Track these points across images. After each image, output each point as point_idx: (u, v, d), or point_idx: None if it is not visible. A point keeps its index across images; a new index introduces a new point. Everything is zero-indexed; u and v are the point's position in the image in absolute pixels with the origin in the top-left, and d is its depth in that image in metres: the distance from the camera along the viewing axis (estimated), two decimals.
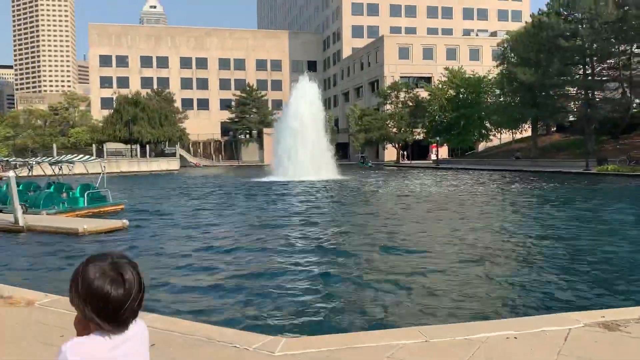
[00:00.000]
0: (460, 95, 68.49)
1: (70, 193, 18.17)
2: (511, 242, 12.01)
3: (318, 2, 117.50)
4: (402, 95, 71.75)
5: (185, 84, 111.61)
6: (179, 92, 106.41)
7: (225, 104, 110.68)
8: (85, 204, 17.79)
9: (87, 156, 20.01)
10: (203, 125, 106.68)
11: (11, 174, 13.82)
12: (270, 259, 10.48)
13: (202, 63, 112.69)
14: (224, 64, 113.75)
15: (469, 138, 68.23)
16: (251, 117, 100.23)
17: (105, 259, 1.54)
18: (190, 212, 19.10)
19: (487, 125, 67.37)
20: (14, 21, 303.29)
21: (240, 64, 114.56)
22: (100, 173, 19.20)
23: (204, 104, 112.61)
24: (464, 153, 78.65)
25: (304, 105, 40.79)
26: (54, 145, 65.68)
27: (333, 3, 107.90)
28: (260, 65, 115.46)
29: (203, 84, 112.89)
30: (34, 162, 19.66)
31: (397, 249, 11.15)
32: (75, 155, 21.83)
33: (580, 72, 48.67)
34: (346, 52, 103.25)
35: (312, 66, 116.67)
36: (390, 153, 78.54)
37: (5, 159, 23.65)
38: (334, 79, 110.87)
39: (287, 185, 32.28)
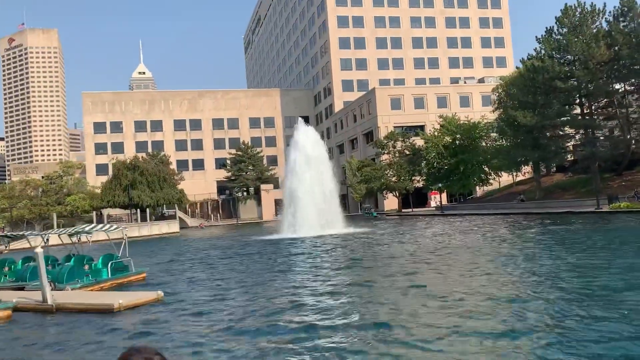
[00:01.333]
0: (457, 142, 69.11)
1: (93, 265, 17.43)
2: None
3: (307, 60, 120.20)
4: (398, 144, 72.23)
5: (180, 145, 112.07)
6: (174, 154, 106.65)
7: (220, 163, 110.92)
8: (109, 275, 17.03)
9: (108, 225, 19.34)
10: (199, 186, 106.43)
11: (39, 250, 13.15)
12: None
13: (196, 124, 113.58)
14: (217, 124, 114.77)
15: (469, 183, 68.29)
16: (248, 174, 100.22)
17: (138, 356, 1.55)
18: (213, 277, 18.35)
19: (486, 169, 67.73)
20: (4, 93, 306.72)
21: (233, 123, 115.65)
22: (112, 239, 18.58)
23: (199, 165, 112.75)
24: (463, 198, 78.63)
25: (307, 157, 40.58)
26: (54, 215, 64.69)
27: (322, 60, 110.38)
28: (254, 123, 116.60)
29: (197, 144, 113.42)
30: (49, 234, 18.93)
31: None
32: (95, 225, 21.16)
33: (578, 111, 49.29)
34: (338, 106, 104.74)
35: (304, 121, 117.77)
36: (390, 202, 78.27)
37: (14, 233, 22.81)
38: (327, 133, 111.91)
39: (300, 242, 31.54)
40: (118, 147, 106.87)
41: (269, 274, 18.35)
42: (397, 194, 73.10)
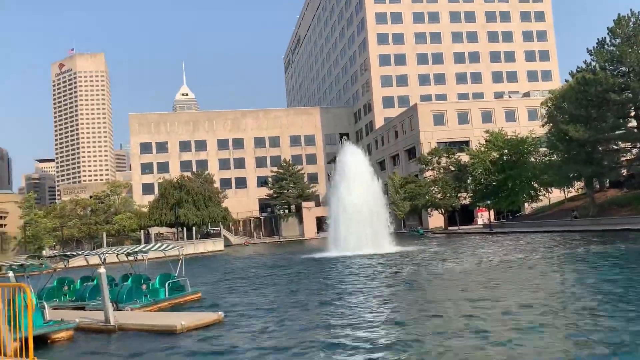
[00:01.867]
0: (504, 157, 67.50)
1: (150, 284, 17.44)
2: None
3: (347, 77, 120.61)
4: (443, 160, 71.07)
5: (223, 164, 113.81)
6: (217, 173, 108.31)
7: (261, 181, 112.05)
8: (167, 295, 16.97)
9: (166, 244, 19.42)
10: (241, 204, 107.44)
11: (102, 270, 13.16)
12: None
13: (238, 143, 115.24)
14: (259, 142, 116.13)
15: (518, 199, 66.37)
16: (289, 191, 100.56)
17: None
18: (268, 298, 18.05)
19: (535, 185, 65.77)
20: (55, 116, 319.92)
21: (275, 142, 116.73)
22: (169, 257, 18.56)
23: (241, 183, 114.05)
24: (511, 215, 76.49)
25: (353, 174, 40.19)
26: (103, 234, 66.28)
27: (362, 77, 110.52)
28: (294, 141, 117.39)
29: (240, 163, 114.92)
30: (106, 253, 19.11)
31: None
32: (153, 244, 21.29)
33: (634, 124, 47.34)
34: (378, 122, 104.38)
35: (344, 138, 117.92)
36: (434, 220, 76.89)
37: (73, 253, 23.09)
38: (367, 149, 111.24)
39: (349, 261, 30.99)
40: (163, 167, 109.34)
41: (324, 293, 17.93)
42: (443, 211, 71.71)
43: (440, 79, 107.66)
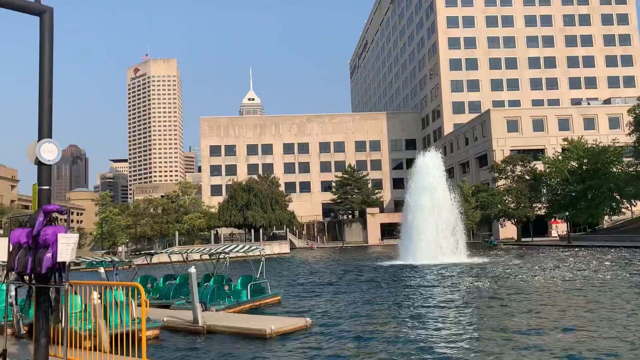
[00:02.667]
0: (584, 167, 64.04)
1: (232, 286, 17.37)
2: None
3: (415, 82, 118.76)
4: (518, 168, 68.23)
5: (288, 168, 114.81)
6: (282, 177, 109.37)
7: (325, 186, 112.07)
8: (248, 297, 16.83)
9: (247, 245, 19.37)
10: (305, 208, 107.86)
11: (192, 269, 13.09)
12: None
13: (303, 148, 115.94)
14: (324, 147, 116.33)
15: (598, 212, 62.64)
16: (353, 197, 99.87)
17: None
18: (348, 303, 17.54)
19: (617, 197, 61.94)
20: (129, 119, 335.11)
21: (340, 147, 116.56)
22: (249, 257, 18.46)
23: (305, 187, 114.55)
24: (589, 228, 72.40)
25: (429, 182, 39.09)
26: (176, 233, 68.21)
27: (431, 82, 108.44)
28: (360, 146, 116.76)
29: (305, 167, 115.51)
30: (189, 252, 19.25)
31: None
32: (235, 245, 21.34)
33: None
34: (447, 129, 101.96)
35: (411, 144, 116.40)
36: (505, 230, 73.95)
37: (158, 251, 23.46)
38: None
39: (424, 270, 30.01)
40: (231, 170, 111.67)
41: (408, 303, 17.23)
42: (515, 222, 68.79)
43: (513, 84, 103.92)
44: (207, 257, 19.24)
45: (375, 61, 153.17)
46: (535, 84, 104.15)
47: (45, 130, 8.09)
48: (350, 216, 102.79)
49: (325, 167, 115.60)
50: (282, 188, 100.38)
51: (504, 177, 69.09)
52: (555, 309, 15.01)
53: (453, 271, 28.60)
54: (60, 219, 7.74)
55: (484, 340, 11.15)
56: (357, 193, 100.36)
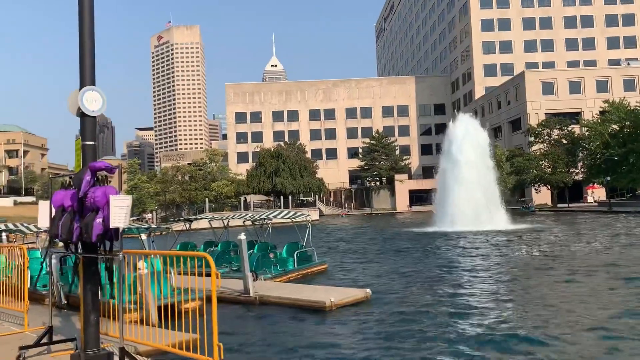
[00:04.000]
0: (626, 130, 61.23)
1: (277, 254, 16.47)
2: None
3: (445, 45, 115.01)
4: (555, 132, 65.70)
5: (314, 135, 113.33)
6: (308, 144, 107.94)
7: (352, 152, 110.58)
8: (295, 266, 15.90)
9: (293, 211, 18.42)
10: (332, 175, 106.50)
11: (242, 236, 12.12)
12: None
13: (329, 114, 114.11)
14: (350, 113, 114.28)
15: None
16: (381, 164, 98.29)
17: None
18: (397, 272, 16.52)
19: None
20: (153, 88, 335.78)
21: (366, 112, 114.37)
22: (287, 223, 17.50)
23: (332, 154, 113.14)
24: (629, 194, 69.86)
25: (466, 146, 37.45)
26: (206, 200, 67.95)
27: (462, 44, 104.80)
28: (387, 111, 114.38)
29: (331, 134, 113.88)
30: (230, 218, 18.38)
31: None
32: (280, 210, 20.42)
33: None
34: (478, 92, 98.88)
35: (440, 109, 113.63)
36: (540, 196, 71.83)
37: (196, 217, 22.51)
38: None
39: (469, 237, 28.78)
40: (257, 137, 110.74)
41: (457, 273, 16.13)
42: (552, 187, 66.66)
43: (548, 45, 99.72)
44: (249, 223, 18.29)
45: (403, 23, 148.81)
46: (571, 44, 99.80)
47: (87, 77, 6.99)
48: (377, 183, 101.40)
49: (351, 133, 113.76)
50: (308, 155, 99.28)
51: (540, 141, 66.69)
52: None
53: (501, 239, 27.31)
54: (109, 180, 6.72)
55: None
56: (384, 159, 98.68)
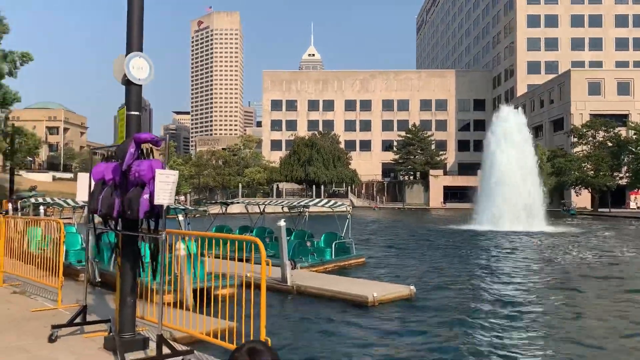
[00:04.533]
0: None
1: (315, 243, 15.96)
2: None
3: (488, 39, 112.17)
4: (600, 134, 63.27)
5: (349, 125, 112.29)
6: (342, 134, 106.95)
7: (386, 145, 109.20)
8: (332, 256, 15.34)
9: (333, 200, 17.86)
10: (364, 167, 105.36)
11: (282, 223, 11.63)
12: None
13: (365, 105, 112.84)
14: (387, 105, 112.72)
15: None
16: (416, 158, 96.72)
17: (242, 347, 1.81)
18: (438, 269, 15.79)
19: None
20: (192, 73, 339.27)
21: (403, 105, 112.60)
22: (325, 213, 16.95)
23: (366, 146, 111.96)
24: None
25: (511, 143, 36.15)
26: (239, 185, 68.09)
27: (506, 39, 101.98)
28: (425, 105, 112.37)
29: (366, 125, 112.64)
30: (266, 204, 17.95)
31: None
32: (320, 199, 19.90)
33: None
34: (521, 90, 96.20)
35: (479, 105, 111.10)
36: (580, 199, 69.40)
37: (231, 201, 22.20)
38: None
39: (512, 237, 27.71)
40: (292, 125, 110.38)
41: (511, 273, 15.31)
42: (593, 191, 64.33)
43: (596, 43, 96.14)
44: (287, 210, 17.81)
45: (445, 16, 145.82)
46: (621, 44, 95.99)
47: (135, 42, 6.51)
48: (411, 177, 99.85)
49: (387, 125, 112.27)
50: (341, 146, 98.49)
51: (583, 142, 64.36)
52: None
53: (546, 241, 26.16)
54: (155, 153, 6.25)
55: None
56: (420, 154, 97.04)
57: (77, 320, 6.77)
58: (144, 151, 6.04)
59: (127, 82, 6.44)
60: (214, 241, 8.76)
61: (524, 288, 12.82)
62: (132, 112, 6.40)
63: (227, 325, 8.34)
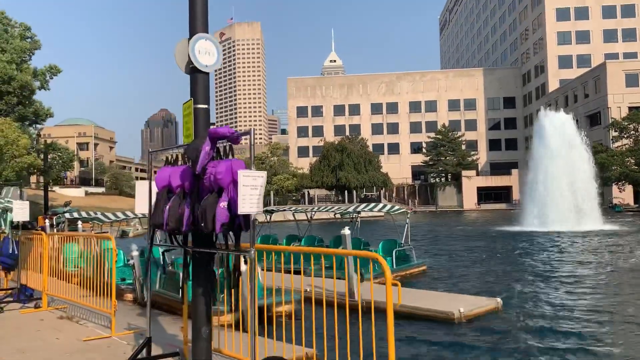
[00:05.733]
0: None
1: (372, 251, 14.79)
2: None
3: (515, 36, 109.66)
4: None
5: (376, 129, 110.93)
6: (370, 138, 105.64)
7: (415, 147, 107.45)
8: (394, 265, 14.14)
9: (390, 205, 16.70)
10: (393, 170, 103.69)
11: (346, 231, 10.52)
12: None
13: (392, 108, 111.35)
14: (414, 107, 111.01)
15: None
16: (447, 159, 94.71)
17: None
18: (510, 279, 14.44)
19: None
20: (215, 83, 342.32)
21: (431, 106, 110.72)
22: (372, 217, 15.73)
23: (394, 149, 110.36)
24: None
25: (561, 141, 34.47)
26: (271, 193, 67.37)
27: (535, 34, 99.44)
28: (453, 105, 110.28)
29: (393, 128, 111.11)
30: (314, 211, 16.84)
31: None
32: (375, 204, 18.77)
33: None
34: (552, 85, 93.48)
35: (509, 102, 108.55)
36: (622, 195, 66.70)
37: (278, 208, 21.25)
38: (537, 115, 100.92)
39: (572, 239, 26.05)
40: (318, 131, 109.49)
41: (590, 279, 13.90)
42: (636, 186, 61.63)
43: (630, 34, 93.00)
44: (338, 216, 16.69)
45: (469, 15, 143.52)
46: None
47: (199, 22, 5.46)
48: (442, 179, 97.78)
49: (415, 127, 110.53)
50: (369, 149, 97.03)
51: (625, 136, 61.78)
52: None
53: (611, 241, 24.46)
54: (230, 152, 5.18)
55: None
56: (450, 155, 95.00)
57: (142, 354, 5.71)
58: (220, 150, 4.97)
59: (191, 70, 5.39)
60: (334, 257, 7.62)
61: (614, 303, 11.40)
62: (200, 106, 5.34)
63: (304, 352, 7.23)
